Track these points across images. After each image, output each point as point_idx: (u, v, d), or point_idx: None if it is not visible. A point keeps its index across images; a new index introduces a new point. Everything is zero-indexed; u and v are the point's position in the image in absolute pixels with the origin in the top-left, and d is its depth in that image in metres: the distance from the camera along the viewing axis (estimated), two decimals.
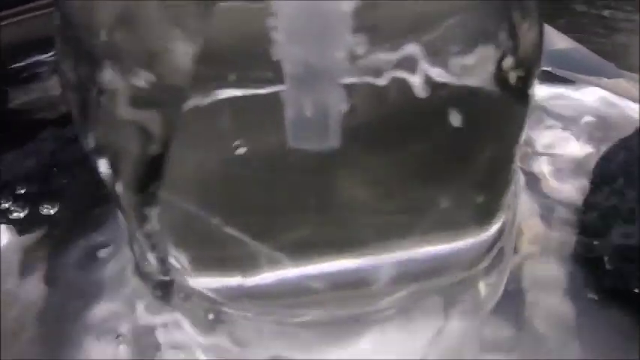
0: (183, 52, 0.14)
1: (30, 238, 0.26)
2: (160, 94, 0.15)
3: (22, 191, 0.27)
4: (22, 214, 0.27)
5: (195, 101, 0.15)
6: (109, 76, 0.15)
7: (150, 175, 0.16)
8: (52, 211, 0.27)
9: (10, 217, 0.27)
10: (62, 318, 0.23)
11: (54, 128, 0.28)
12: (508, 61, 0.16)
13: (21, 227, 0.26)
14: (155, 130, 0.15)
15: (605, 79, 0.30)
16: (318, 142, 0.15)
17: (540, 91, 0.30)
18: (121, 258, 0.24)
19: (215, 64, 0.15)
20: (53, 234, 0.26)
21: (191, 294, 0.19)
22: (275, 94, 0.14)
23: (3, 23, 0.32)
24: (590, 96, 0.30)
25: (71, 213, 0.27)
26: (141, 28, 0.15)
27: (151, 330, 0.21)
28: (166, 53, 0.15)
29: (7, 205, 0.27)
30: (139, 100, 0.15)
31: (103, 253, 0.25)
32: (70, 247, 0.26)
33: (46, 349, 0.22)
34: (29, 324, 0.23)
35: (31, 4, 0.32)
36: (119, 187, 0.17)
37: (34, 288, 0.24)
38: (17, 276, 0.25)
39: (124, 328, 0.22)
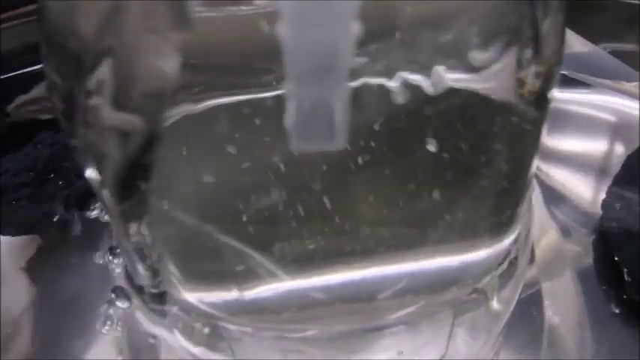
0: (167, 57, 0.14)
1: (27, 241, 0.26)
2: (144, 100, 0.15)
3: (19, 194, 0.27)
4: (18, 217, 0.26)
5: (188, 109, 0.14)
6: (92, 80, 0.15)
7: (134, 182, 0.16)
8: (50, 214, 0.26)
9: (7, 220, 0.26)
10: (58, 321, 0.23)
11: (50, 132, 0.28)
12: (528, 57, 0.16)
13: (17, 230, 0.26)
14: (139, 135, 0.15)
15: (624, 83, 0.30)
16: (322, 142, 0.14)
17: (558, 96, 0.29)
18: (116, 264, 0.24)
19: (207, 71, 0.14)
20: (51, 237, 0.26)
21: (186, 307, 0.19)
22: (272, 100, 0.14)
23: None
24: (608, 100, 0.30)
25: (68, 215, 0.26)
26: (124, 34, 0.14)
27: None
28: (150, 59, 0.14)
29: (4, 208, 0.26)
30: (122, 105, 0.15)
31: (98, 258, 0.25)
32: (66, 252, 0.25)
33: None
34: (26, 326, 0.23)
35: (29, 7, 0.32)
36: (105, 194, 0.17)
37: (31, 291, 0.24)
38: (15, 279, 0.25)
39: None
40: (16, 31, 0.32)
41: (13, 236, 0.26)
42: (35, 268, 0.25)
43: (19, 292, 0.24)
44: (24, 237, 0.26)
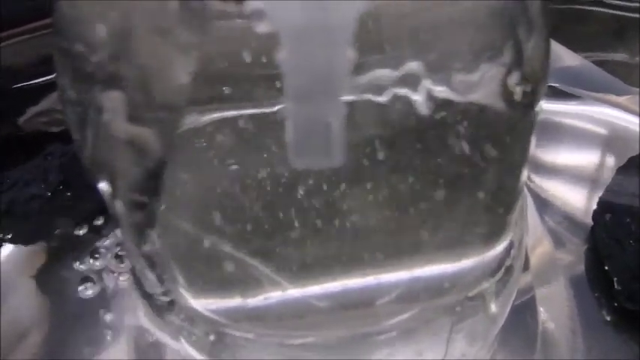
0: (179, 72, 0.14)
1: (34, 252, 0.26)
2: (157, 113, 0.15)
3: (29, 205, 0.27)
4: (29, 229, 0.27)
5: (194, 121, 0.15)
6: (106, 94, 0.15)
7: (147, 194, 0.16)
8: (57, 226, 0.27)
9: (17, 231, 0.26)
10: (65, 332, 0.23)
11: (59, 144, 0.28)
12: (514, 77, 0.16)
13: (27, 241, 0.26)
14: (152, 148, 0.15)
15: (614, 96, 0.30)
16: (320, 159, 0.15)
17: (549, 108, 0.29)
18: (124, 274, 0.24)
19: (214, 85, 0.14)
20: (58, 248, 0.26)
21: (192, 315, 0.19)
22: (275, 114, 0.14)
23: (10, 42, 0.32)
24: (598, 113, 0.30)
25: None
26: (137, 49, 0.15)
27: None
28: (162, 73, 0.15)
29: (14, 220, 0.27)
30: (136, 118, 0.15)
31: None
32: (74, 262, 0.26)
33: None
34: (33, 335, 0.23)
35: (40, 23, 0.32)
36: (118, 205, 0.17)
37: (37, 302, 0.24)
38: (20, 289, 0.25)
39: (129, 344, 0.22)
40: (26, 44, 0.32)
41: (23, 246, 0.26)
42: (44, 277, 0.25)
43: (27, 301, 0.25)
44: (33, 247, 0.26)
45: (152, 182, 0.16)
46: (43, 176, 0.26)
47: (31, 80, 0.31)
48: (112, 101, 0.15)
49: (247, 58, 0.14)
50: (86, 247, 0.26)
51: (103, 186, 0.17)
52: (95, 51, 0.15)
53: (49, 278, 0.25)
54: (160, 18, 0.14)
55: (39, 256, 0.26)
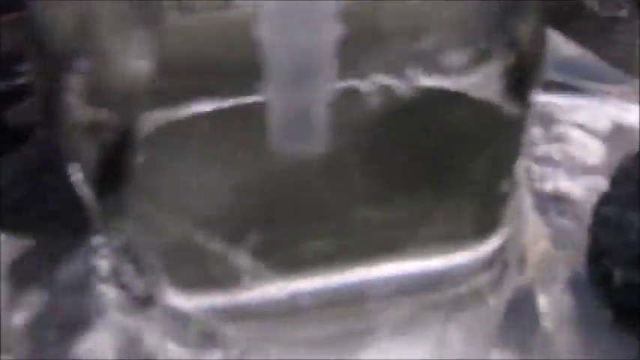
0: (138, 60, 0.14)
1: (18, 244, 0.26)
2: (117, 100, 0.15)
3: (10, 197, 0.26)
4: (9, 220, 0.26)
5: (169, 114, 0.15)
6: (69, 79, 0.15)
7: (112, 183, 0.16)
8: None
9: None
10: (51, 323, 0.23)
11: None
12: (507, 68, 0.16)
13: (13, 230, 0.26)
14: (112, 134, 0.15)
15: (613, 86, 0.30)
16: (302, 144, 0.15)
17: (549, 100, 0.29)
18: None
19: (190, 77, 0.14)
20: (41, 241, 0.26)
21: (173, 311, 0.19)
22: (252, 104, 0.14)
23: None
24: (599, 104, 0.30)
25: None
26: (97, 35, 0.15)
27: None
28: (121, 60, 0.15)
29: None
30: (96, 103, 0.15)
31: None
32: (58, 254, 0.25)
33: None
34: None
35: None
36: (86, 193, 0.17)
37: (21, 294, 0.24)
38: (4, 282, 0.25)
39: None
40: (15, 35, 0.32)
41: (8, 235, 0.26)
42: (29, 266, 0.25)
43: (12, 291, 0.24)
44: (17, 236, 0.26)
45: (118, 170, 0.15)
46: (28, 164, 0.26)
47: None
48: (75, 86, 0.15)
49: (219, 47, 0.14)
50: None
51: (73, 172, 0.17)
52: (59, 36, 0.15)
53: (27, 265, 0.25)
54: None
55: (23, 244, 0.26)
